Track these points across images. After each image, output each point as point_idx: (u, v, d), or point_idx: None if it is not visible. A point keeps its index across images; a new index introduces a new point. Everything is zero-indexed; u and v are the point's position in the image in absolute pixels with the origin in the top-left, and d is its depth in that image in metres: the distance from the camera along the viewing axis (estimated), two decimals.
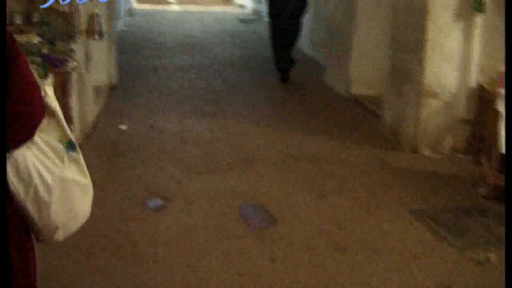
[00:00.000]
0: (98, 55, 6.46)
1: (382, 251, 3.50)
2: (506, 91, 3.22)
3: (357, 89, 7.18)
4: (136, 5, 18.61)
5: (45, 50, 4.10)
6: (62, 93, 4.45)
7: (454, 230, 3.79)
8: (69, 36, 4.44)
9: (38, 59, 3.86)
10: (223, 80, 7.95)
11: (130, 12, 15.21)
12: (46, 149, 1.77)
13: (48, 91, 1.81)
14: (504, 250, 2.41)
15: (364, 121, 6.34)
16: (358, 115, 6.59)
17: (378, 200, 4.24)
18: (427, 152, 5.24)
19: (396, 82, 5.62)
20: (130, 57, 9.04)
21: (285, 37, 7.97)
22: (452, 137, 5.25)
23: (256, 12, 16.53)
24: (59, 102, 1.87)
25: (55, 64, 4.17)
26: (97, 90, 6.17)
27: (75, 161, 1.86)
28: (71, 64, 4.43)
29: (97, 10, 4.75)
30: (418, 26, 5.09)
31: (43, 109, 1.73)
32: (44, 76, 3.88)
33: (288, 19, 7.86)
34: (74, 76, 4.64)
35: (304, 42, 10.52)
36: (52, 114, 1.80)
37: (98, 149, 4.99)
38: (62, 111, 1.85)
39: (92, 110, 5.51)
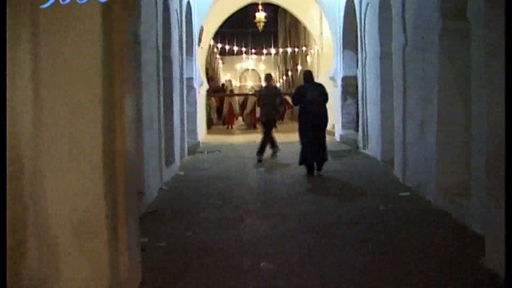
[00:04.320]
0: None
1: None
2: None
3: None
4: (205, 138, 16.10)
5: None
6: None
7: None
8: None
9: None
10: (315, 272, 4.60)
11: (194, 149, 12.53)
12: None
13: None
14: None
15: None
16: None
17: None
18: None
19: None
20: (172, 228, 5.95)
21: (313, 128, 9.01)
22: None
23: (347, 139, 13.58)
24: None
25: None
26: None
27: None
28: None
29: None
30: None
31: None
32: None
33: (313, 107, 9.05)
34: None
35: (428, 187, 7.08)
36: None
37: None
38: None
39: None
